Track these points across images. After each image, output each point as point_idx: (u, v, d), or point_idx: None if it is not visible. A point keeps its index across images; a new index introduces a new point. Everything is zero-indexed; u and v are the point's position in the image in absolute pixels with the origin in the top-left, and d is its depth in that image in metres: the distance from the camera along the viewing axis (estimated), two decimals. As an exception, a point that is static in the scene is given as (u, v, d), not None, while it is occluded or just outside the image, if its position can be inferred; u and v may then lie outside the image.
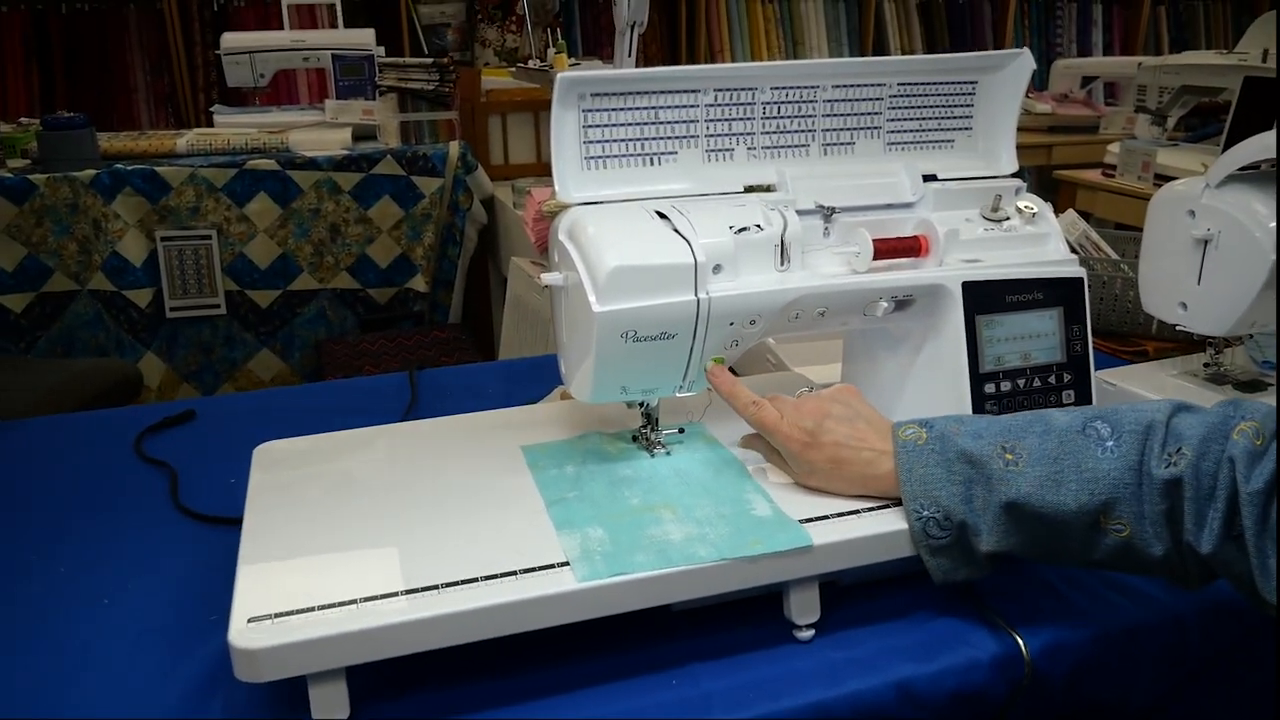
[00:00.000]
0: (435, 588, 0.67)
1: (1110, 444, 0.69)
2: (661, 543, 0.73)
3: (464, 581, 0.68)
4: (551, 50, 2.03)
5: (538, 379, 1.25)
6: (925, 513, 0.72)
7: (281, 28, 2.74)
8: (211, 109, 2.77)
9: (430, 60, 2.65)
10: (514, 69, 2.23)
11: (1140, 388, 1.04)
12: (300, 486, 0.83)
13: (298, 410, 1.24)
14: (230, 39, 2.66)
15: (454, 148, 2.55)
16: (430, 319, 2.67)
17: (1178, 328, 1.03)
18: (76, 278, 2.34)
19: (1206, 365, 1.09)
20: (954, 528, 0.72)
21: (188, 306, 2.44)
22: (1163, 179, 2.51)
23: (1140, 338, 1.40)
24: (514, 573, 0.69)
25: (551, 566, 0.70)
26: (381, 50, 2.74)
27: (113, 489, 1.03)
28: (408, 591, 0.66)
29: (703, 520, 0.76)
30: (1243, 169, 0.96)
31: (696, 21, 4.11)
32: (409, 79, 2.64)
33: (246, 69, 2.65)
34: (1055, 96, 3.62)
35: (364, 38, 2.72)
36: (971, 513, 0.71)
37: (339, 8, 2.78)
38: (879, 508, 0.78)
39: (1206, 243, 0.97)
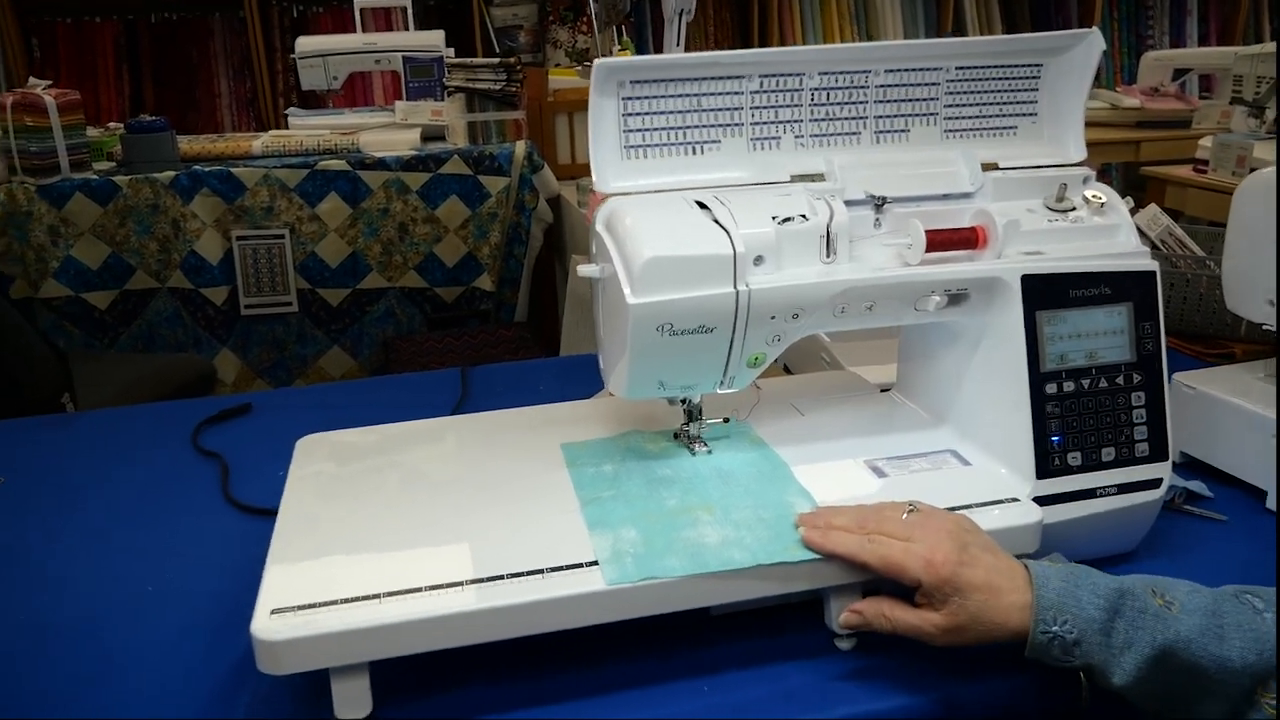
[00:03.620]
0: (460, 584, 0.66)
1: (1269, 615, 0.62)
2: (696, 546, 0.70)
3: (489, 579, 0.66)
4: (616, 47, 2.01)
5: (591, 376, 1.23)
6: (1055, 629, 0.63)
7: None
8: (286, 112, 2.83)
9: (497, 60, 2.66)
10: (580, 67, 2.23)
11: (1222, 391, 0.97)
12: (337, 479, 0.83)
13: (351, 404, 1.25)
14: (304, 43, 2.71)
15: (520, 147, 2.55)
16: (496, 318, 2.69)
17: (1264, 327, 0.97)
18: (157, 275, 2.41)
19: (1295, 367, 1.02)
20: (1080, 659, 0.63)
21: (261, 304, 2.49)
22: (1259, 174, 2.39)
23: (1227, 340, 1.32)
24: (541, 571, 0.67)
25: (580, 566, 0.68)
26: (451, 51, 2.76)
27: (167, 480, 1.04)
28: (431, 587, 0.65)
29: (741, 523, 0.73)
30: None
31: (769, 14, 4.05)
32: (477, 79, 2.66)
33: (320, 72, 2.69)
34: (1144, 90, 3.47)
35: (434, 39, 2.74)
36: (1107, 649, 0.63)
37: (410, 10, 2.81)
38: (929, 512, 0.74)
39: (1296, 235, 0.91)
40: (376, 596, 0.64)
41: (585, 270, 0.77)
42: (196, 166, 2.40)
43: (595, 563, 0.68)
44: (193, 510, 0.98)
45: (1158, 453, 0.82)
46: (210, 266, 2.42)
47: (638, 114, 0.79)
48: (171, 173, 2.35)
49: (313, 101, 3.30)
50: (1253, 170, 2.62)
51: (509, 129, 2.68)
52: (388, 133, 2.63)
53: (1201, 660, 0.61)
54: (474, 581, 0.66)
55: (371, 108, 3.08)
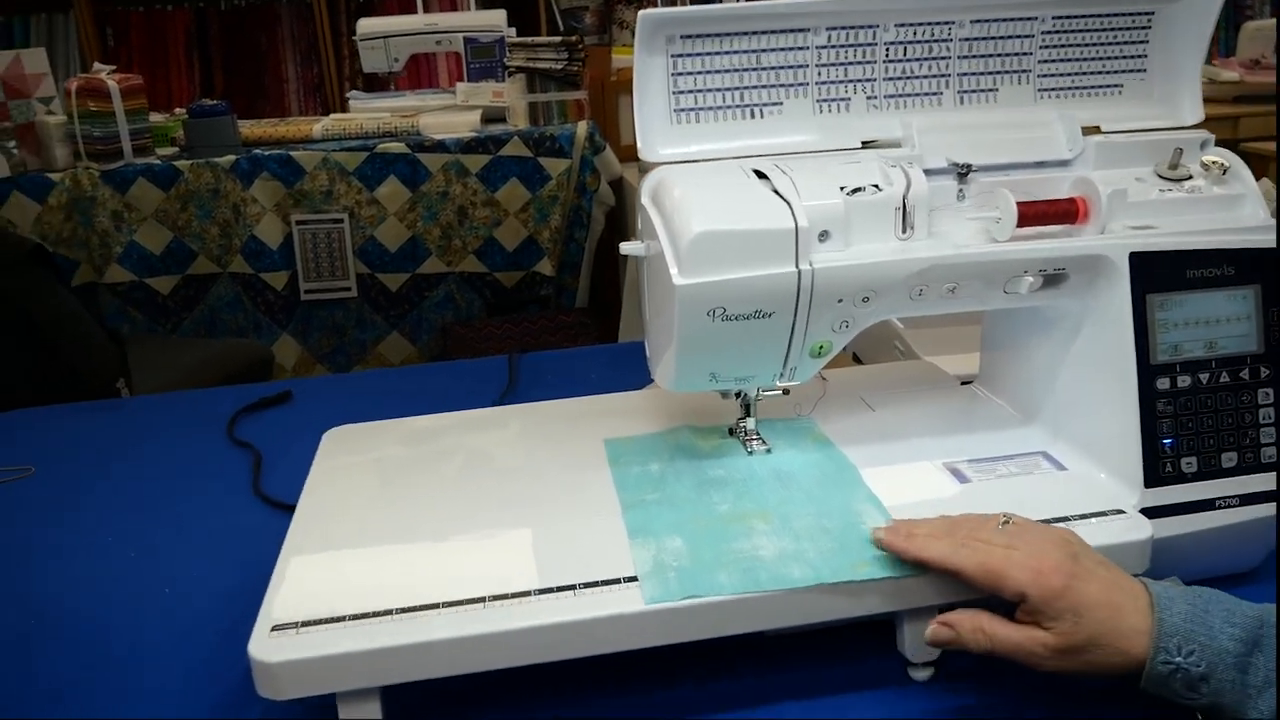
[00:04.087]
0: (481, 600, 0.58)
1: None
2: (749, 559, 0.62)
3: (514, 595, 0.59)
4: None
5: (644, 365, 1.17)
6: (1178, 659, 0.53)
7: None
8: (348, 95, 2.80)
9: (559, 39, 2.59)
10: (642, 43, 2.14)
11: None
12: (360, 476, 0.77)
13: (395, 392, 1.20)
14: (365, 24, 2.68)
15: (581, 128, 2.48)
16: (556, 303, 2.62)
17: None
18: (218, 260, 2.40)
19: None
20: (1209, 697, 0.54)
21: (321, 289, 2.47)
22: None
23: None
24: (573, 587, 0.60)
25: (618, 581, 0.60)
26: (513, 32, 2.70)
27: (200, 471, 1.00)
28: (449, 604, 0.58)
29: (802, 534, 0.64)
30: None
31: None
32: (538, 59, 2.59)
33: (381, 54, 2.65)
34: (1244, 63, 3.25)
35: (495, 19, 2.68)
36: (1242, 687, 0.53)
37: (473, -9, 2.75)
38: (1019, 525, 0.64)
39: None
40: (389, 613, 0.58)
41: (627, 248, 0.70)
42: (256, 150, 2.38)
43: (634, 578, 0.60)
44: (220, 504, 0.93)
45: (1288, 459, 0.71)
46: (270, 251, 2.40)
47: (689, 73, 0.70)
48: (232, 157, 2.33)
49: (375, 85, 3.27)
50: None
51: (571, 109, 2.60)
52: (448, 115, 2.59)
53: None
54: (497, 598, 0.59)
55: (433, 90, 3.04)
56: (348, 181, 2.41)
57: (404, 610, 0.58)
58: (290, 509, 0.88)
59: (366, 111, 2.65)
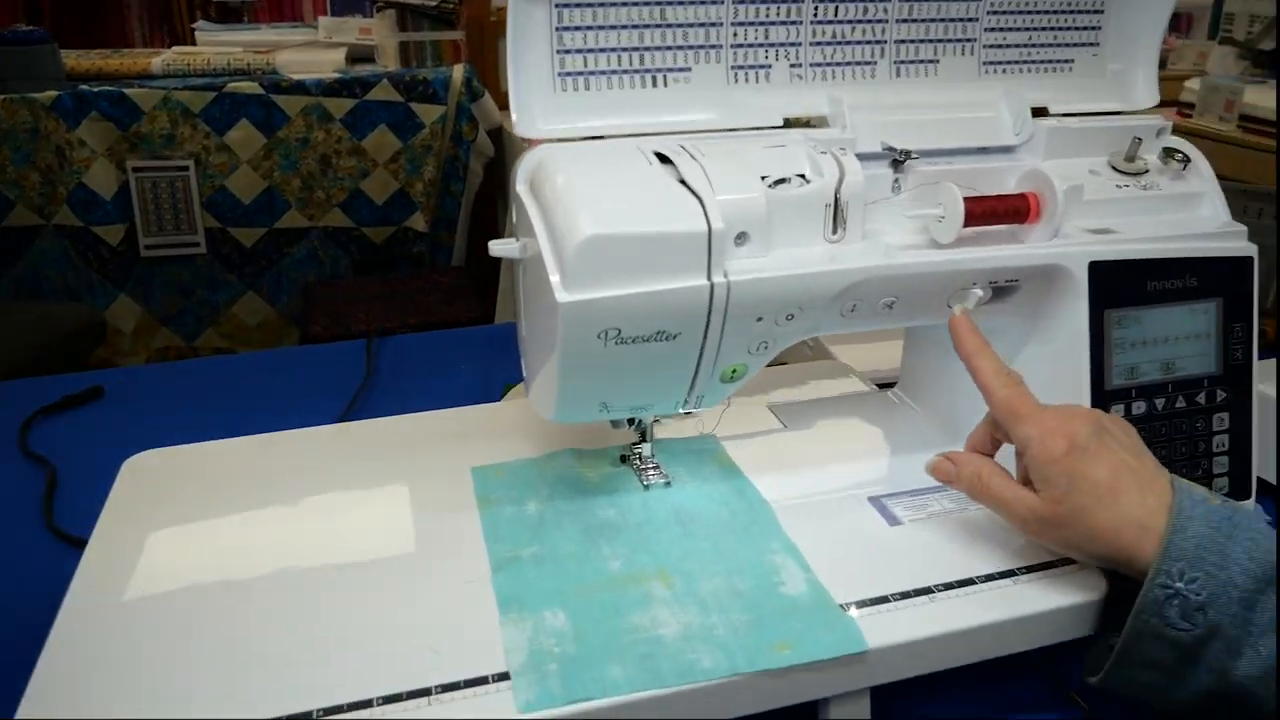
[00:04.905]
0: (310, 716, 0.45)
1: None
2: (648, 642, 0.50)
3: (349, 707, 0.46)
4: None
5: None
6: (1179, 584, 0.49)
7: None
8: (194, 25, 2.52)
9: (433, -28, 2.38)
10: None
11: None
12: (154, 532, 0.61)
13: (228, 386, 1.03)
14: (214, -54, 2.40)
15: (458, 71, 2.29)
16: (431, 261, 2.45)
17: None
18: (40, 211, 2.13)
19: (1375, 365, 0.84)
20: (1204, 628, 0.48)
21: (164, 245, 2.22)
22: (1249, 119, 2.22)
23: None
24: (428, 692, 0.47)
25: (484, 681, 0.48)
26: (382, -40, 2.47)
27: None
28: (259, 727, 0.44)
29: (710, 601, 0.53)
30: None
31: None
32: (410, -7, 2.38)
33: (232, -20, 2.39)
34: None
35: (363, -54, 2.45)
36: (1246, 624, 0.48)
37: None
38: (961, 584, 0.55)
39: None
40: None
41: (500, 248, 0.56)
42: (84, 86, 2.10)
43: (506, 674, 0.48)
44: (4, 537, 0.76)
45: (1240, 489, 0.64)
46: (103, 201, 2.13)
47: (577, 27, 0.57)
48: (54, 93, 2.05)
49: (230, 15, 2.97)
50: (1243, 116, 2.45)
51: (446, 51, 2.41)
52: (308, 52, 2.35)
53: None
54: (328, 713, 0.45)
55: (293, 24, 2.78)
56: (193, 124, 2.16)
57: (199, 736, 0.44)
58: (79, 544, 0.73)
59: (215, 45, 2.39)
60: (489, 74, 2.44)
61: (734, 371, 0.58)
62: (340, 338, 1.88)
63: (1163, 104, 2.46)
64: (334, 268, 2.39)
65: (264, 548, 0.59)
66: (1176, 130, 2.14)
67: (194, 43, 2.52)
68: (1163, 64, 2.71)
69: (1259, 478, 0.71)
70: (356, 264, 2.40)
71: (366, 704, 0.46)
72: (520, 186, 0.55)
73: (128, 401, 0.97)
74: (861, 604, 0.53)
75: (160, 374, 1.12)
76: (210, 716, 0.45)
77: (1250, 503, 0.66)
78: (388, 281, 2.33)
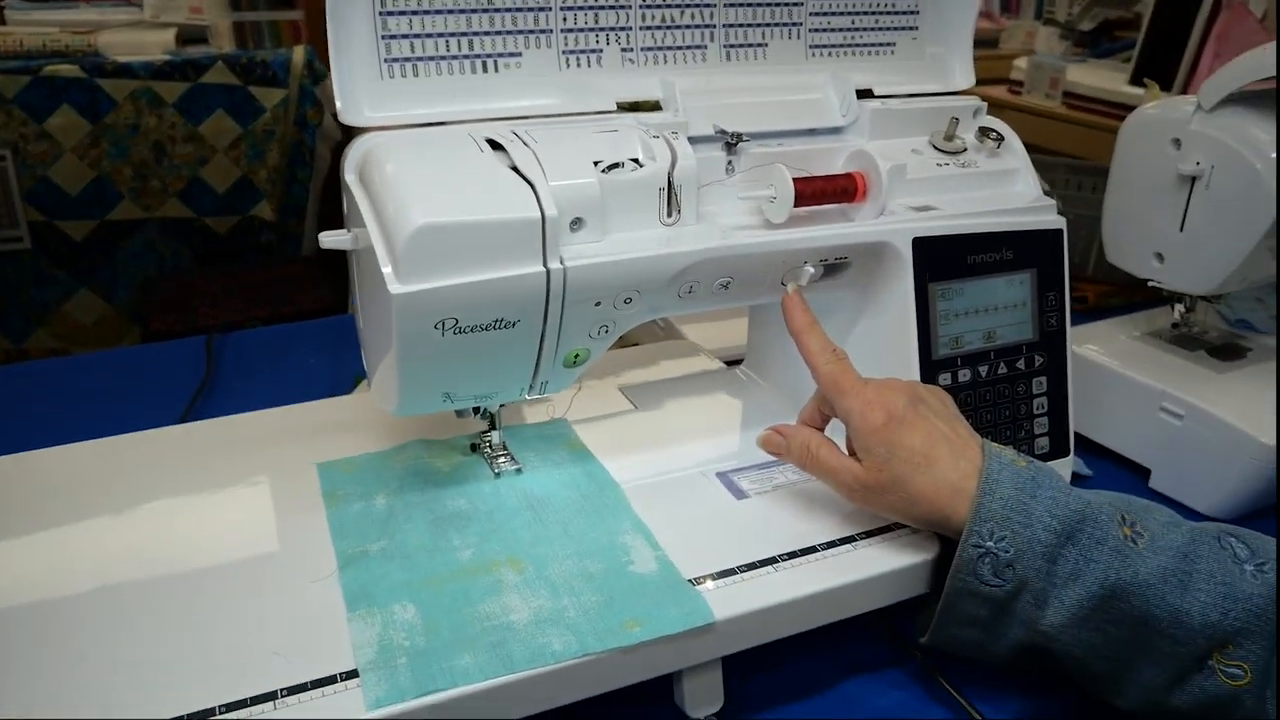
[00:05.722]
0: (133, 735, 0.43)
1: (1250, 568, 0.50)
2: (500, 629, 0.50)
3: (189, 718, 0.44)
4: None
5: (373, 345, 1.01)
6: (989, 543, 0.52)
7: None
8: (4, 3, 2.34)
9: (268, -52, 2.28)
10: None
11: (1097, 354, 0.85)
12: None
13: (59, 392, 0.97)
14: (22, -83, 2.23)
15: (298, 53, 2.20)
16: (280, 251, 2.35)
17: (1150, 284, 0.85)
18: None
19: (1175, 325, 0.91)
20: (1013, 582, 0.52)
21: (-18, 240, 2.07)
22: (1072, 96, 2.37)
23: (1076, 281, 1.22)
24: (274, 695, 0.46)
25: (333, 681, 0.47)
26: (212, -65, 2.35)
27: None
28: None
29: (560, 584, 0.54)
30: (1239, 90, 0.77)
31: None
32: (243, -30, 2.27)
33: (45, -46, 2.23)
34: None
35: (189, -80, 2.31)
36: (1050, 576, 0.52)
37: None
38: (804, 552, 0.57)
39: (1194, 180, 0.78)
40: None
41: (331, 239, 0.55)
42: (-122, 70, 1.93)
43: (354, 673, 0.47)
44: None
45: (1059, 447, 0.69)
46: (-93, 195, 1.97)
47: (403, 12, 0.55)
48: None
49: (45, -8, 2.77)
50: (1066, 93, 2.59)
51: (285, 32, 2.31)
52: (134, 33, 2.22)
53: (1155, 610, 0.50)
54: (161, 726, 0.44)
55: (115, 3, 2.61)
56: (8, 111, 2.01)
57: (20, 764, 0.42)
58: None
59: (29, 26, 2.22)
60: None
61: (577, 356, 0.58)
62: (184, 334, 1.78)
63: (994, 81, 2.57)
64: (175, 261, 2.27)
65: (95, 557, 0.56)
66: (1007, 107, 2.24)
67: (4, 22, 2.34)
68: (994, 43, 2.81)
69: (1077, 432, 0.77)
70: (200, 256, 2.29)
71: (208, 714, 0.44)
72: (349, 176, 0.54)
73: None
74: (710, 577, 0.55)
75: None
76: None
77: (1069, 459, 0.71)
78: (235, 274, 2.23)
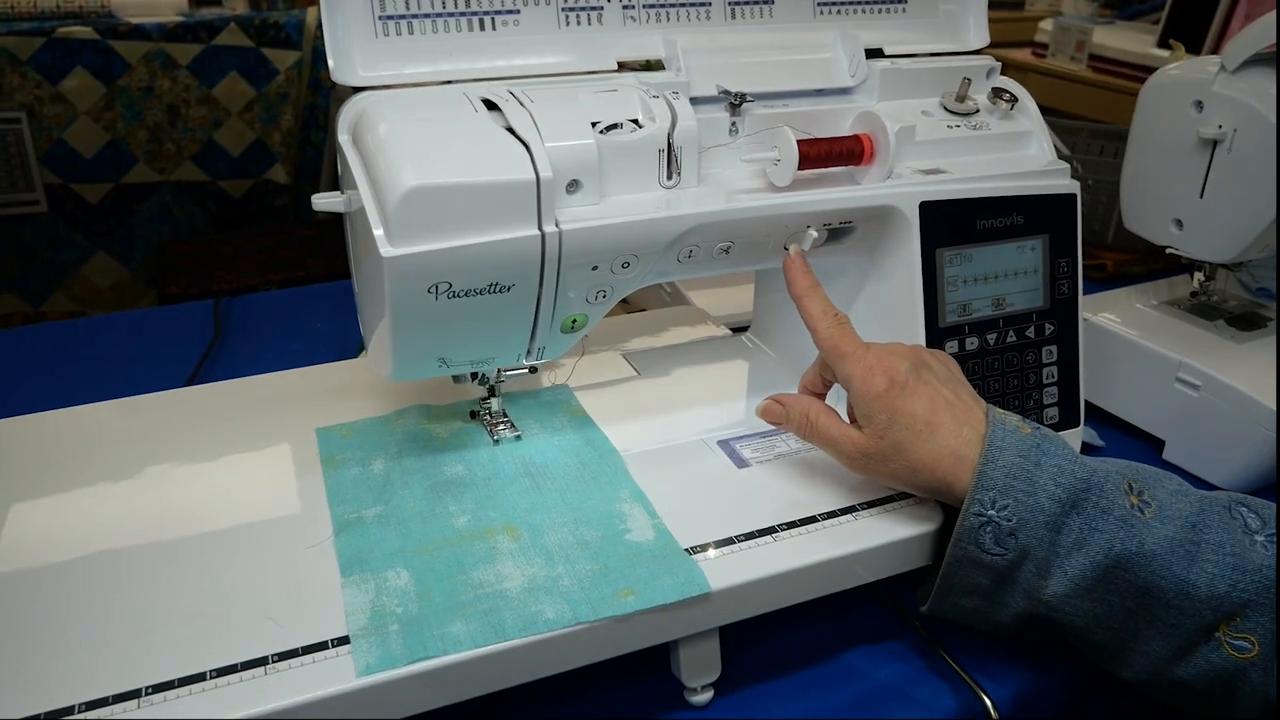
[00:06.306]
0: (135, 694, 0.43)
1: (1261, 539, 0.49)
2: (493, 597, 0.50)
3: (180, 683, 0.44)
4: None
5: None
6: (991, 512, 0.51)
7: None
8: (18, -36, 2.33)
9: (280, -92, 2.26)
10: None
11: (1113, 323, 0.83)
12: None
13: (71, 352, 0.97)
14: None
15: (311, 14, 2.18)
16: (294, 215, 2.35)
17: (1168, 251, 0.83)
18: None
19: (1194, 294, 0.89)
20: (1015, 551, 0.51)
21: (0, 204, 2.08)
22: (1097, 59, 2.31)
23: (1094, 248, 1.20)
24: (264, 661, 0.46)
25: (324, 647, 0.47)
26: (224, -105, 2.32)
27: None
28: (84, 706, 0.42)
29: (555, 552, 0.53)
30: (1264, 51, 0.74)
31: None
32: (256, -70, 2.25)
33: (57, -86, 2.21)
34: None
35: (201, -121, 2.29)
36: (1053, 545, 0.51)
37: None
38: (804, 521, 0.56)
39: (1216, 144, 0.76)
40: (-16, 732, 0.42)
41: (323, 201, 0.54)
42: (-108, 31, 1.93)
43: (346, 639, 0.47)
44: None
45: (1070, 417, 0.67)
46: (-76, 158, 1.98)
47: (396, -32, 0.54)
48: None
49: (60, -47, 2.75)
50: (1092, 56, 2.53)
51: (298, -8, 2.29)
52: (147, -6, 2.20)
53: (1161, 582, 0.49)
54: (155, 689, 0.44)
55: (130, -37, 2.60)
56: (22, 73, 2.01)
57: (10, 726, 0.42)
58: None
59: (42, -14, 2.21)
60: (347, 17, 2.34)
61: (574, 321, 0.57)
62: (199, 297, 1.79)
63: (1018, 44, 2.51)
64: (190, 224, 2.27)
65: (91, 521, 0.56)
66: (1032, 70, 2.19)
67: (19, -17, 2.33)
68: (1020, 4, 2.74)
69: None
70: (215, 219, 2.29)
71: (199, 678, 0.44)
72: (343, 136, 0.53)
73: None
74: (708, 546, 0.54)
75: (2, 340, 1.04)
76: (40, 695, 0.43)
77: (1079, 429, 0.70)
78: (250, 237, 2.23)
